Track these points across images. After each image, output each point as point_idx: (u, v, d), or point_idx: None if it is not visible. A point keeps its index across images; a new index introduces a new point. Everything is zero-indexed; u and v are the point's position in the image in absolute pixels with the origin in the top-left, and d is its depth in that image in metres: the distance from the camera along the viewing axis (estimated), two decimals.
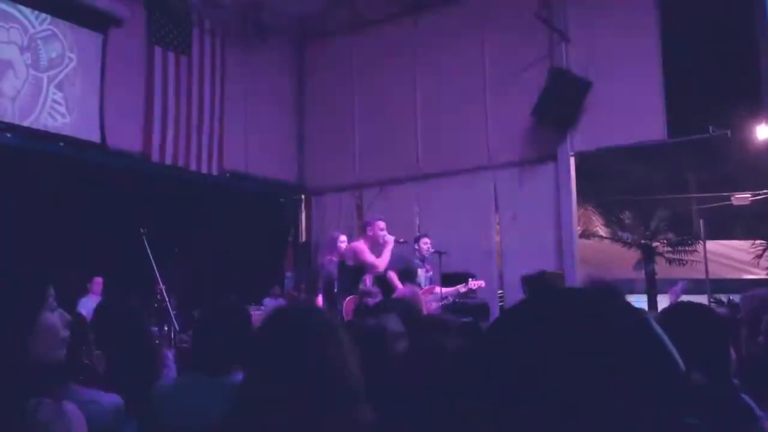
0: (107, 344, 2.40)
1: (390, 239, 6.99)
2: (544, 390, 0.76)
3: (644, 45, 9.20)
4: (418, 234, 8.82)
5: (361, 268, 6.84)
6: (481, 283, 8.57)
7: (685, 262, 14.11)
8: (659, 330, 0.80)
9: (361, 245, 7.00)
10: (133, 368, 2.48)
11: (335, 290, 6.99)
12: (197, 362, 2.54)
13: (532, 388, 0.77)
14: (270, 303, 10.37)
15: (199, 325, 2.75)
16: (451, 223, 10.13)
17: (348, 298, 6.13)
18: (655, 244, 14.08)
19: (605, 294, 0.85)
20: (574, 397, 0.75)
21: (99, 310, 2.66)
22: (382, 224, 7.11)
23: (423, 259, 8.01)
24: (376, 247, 7.03)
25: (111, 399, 2.34)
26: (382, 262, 6.87)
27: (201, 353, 2.53)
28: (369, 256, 6.83)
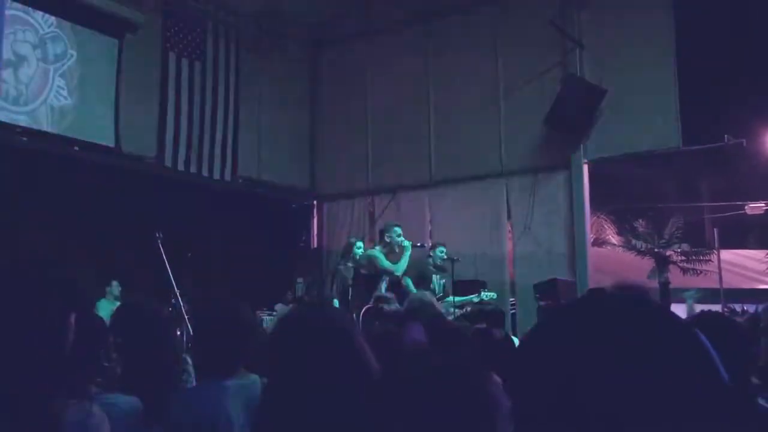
0: (127, 347, 2.41)
1: (407, 244, 7.00)
2: (588, 402, 0.75)
3: (659, 52, 9.16)
4: (432, 242, 8.80)
5: (377, 275, 6.84)
6: (493, 295, 8.57)
7: (699, 272, 14.01)
8: (707, 342, 0.78)
9: (377, 252, 7.02)
10: (152, 372, 2.48)
11: (350, 297, 6.99)
12: (203, 366, 2.54)
13: (574, 401, 0.75)
14: (281, 308, 10.38)
15: (201, 328, 2.76)
16: (463, 231, 10.10)
17: (365, 307, 6.12)
18: (668, 252, 13.99)
19: (649, 304, 0.83)
20: (618, 410, 0.74)
21: (121, 312, 2.66)
22: (399, 230, 7.13)
23: (437, 267, 8.00)
24: (393, 253, 7.04)
25: (130, 402, 2.34)
26: (399, 267, 6.88)
27: (206, 357, 2.53)
28: (385, 263, 6.85)
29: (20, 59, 8.24)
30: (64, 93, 8.29)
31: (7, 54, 8.06)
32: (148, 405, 2.35)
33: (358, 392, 1.47)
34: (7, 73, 8.11)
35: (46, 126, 8.45)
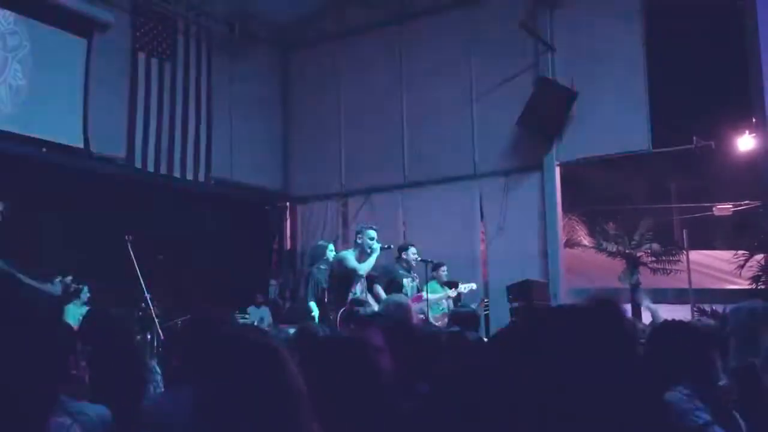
0: (95, 355, 2.36)
1: (376, 248, 7.02)
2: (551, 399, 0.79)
3: (629, 56, 9.27)
4: (403, 244, 8.78)
5: (349, 276, 6.84)
6: (473, 285, 8.60)
7: (669, 272, 14.20)
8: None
9: (348, 254, 7.04)
10: (121, 380, 2.44)
11: (326, 300, 6.99)
12: (173, 373, 2.51)
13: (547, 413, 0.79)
14: (254, 311, 10.32)
15: (176, 338, 2.72)
16: (436, 232, 10.11)
17: (341, 310, 6.10)
18: (639, 254, 14.17)
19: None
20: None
21: (88, 319, 2.61)
22: (372, 233, 7.13)
23: (409, 269, 8.00)
24: (364, 255, 7.05)
25: (99, 411, 2.29)
26: (362, 267, 6.91)
27: (176, 364, 2.50)
28: (352, 263, 6.89)
29: None
30: (19, 75, 9.05)
31: None
32: (117, 413, 2.31)
33: (283, 412, 1.48)
34: None
35: (6, 101, 8.78)
